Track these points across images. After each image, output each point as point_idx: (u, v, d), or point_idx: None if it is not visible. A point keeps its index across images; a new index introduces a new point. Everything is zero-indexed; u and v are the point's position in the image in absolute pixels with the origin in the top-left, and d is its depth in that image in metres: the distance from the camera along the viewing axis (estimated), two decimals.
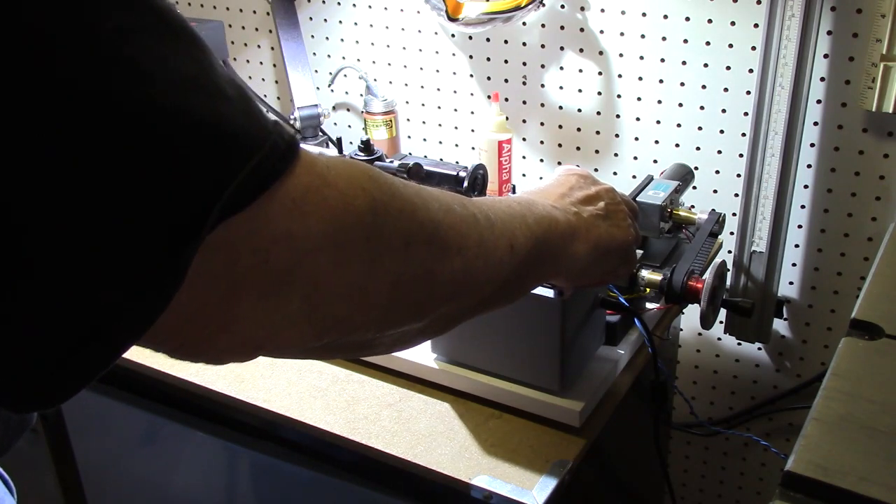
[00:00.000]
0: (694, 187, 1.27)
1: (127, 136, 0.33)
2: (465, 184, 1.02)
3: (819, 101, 1.18)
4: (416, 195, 0.48)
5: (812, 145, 1.21)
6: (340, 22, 1.53)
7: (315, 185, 0.41)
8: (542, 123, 1.42)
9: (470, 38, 1.41)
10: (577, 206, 0.69)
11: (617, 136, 1.36)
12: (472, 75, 1.45)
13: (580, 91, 1.36)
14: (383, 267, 0.45)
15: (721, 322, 1.35)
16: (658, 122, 1.31)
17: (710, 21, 1.21)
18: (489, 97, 1.39)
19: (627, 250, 0.74)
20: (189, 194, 0.34)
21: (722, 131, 1.27)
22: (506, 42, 1.39)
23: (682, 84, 1.27)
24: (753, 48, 1.19)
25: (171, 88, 0.34)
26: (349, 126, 1.62)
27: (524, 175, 1.46)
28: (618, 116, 1.34)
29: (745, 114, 1.23)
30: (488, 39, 1.40)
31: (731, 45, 1.21)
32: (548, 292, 0.82)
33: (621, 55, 1.30)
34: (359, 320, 0.45)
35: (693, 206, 1.27)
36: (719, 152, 1.28)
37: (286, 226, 0.39)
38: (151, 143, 0.33)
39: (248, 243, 0.38)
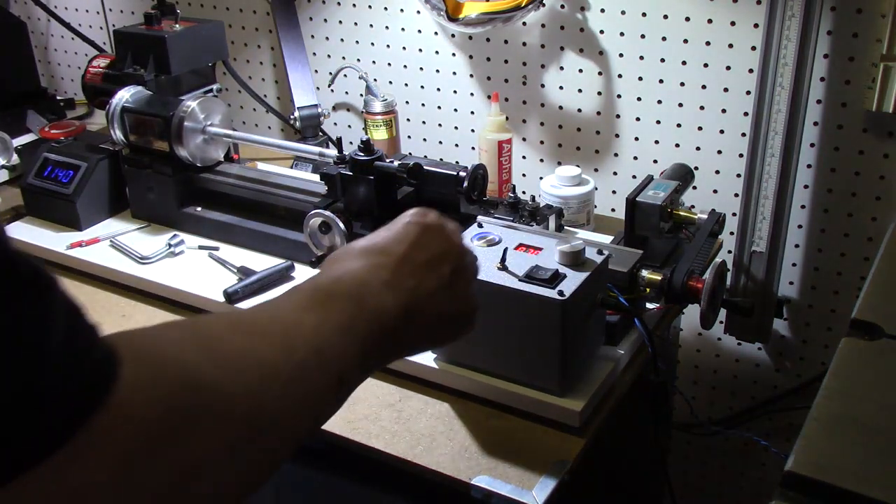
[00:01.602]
0: (694, 187, 1.27)
1: None
2: (465, 184, 1.02)
3: (819, 101, 1.18)
4: (234, 379, 0.44)
5: (812, 145, 1.21)
6: (340, 22, 1.53)
7: (112, 424, 0.36)
8: (542, 123, 1.42)
9: (470, 38, 1.41)
10: (415, 277, 0.61)
11: (617, 136, 1.36)
12: (472, 75, 1.45)
13: (580, 91, 1.36)
14: (196, 496, 0.40)
15: (721, 322, 1.35)
16: (658, 122, 1.31)
17: (710, 21, 1.21)
18: (489, 97, 1.39)
19: (464, 322, 0.66)
20: None
21: (722, 131, 1.27)
22: (506, 42, 1.39)
23: (682, 84, 1.27)
24: (753, 48, 1.19)
25: None
26: (349, 126, 1.62)
27: (524, 175, 1.46)
28: (618, 116, 1.34)
29: (745, 114, 1.23)
30: (488, 39, 1.40)
31: (731, 45, 1.21)
32: (549, 293, 0.82)
33: (621, 55, 1.30)
34: None
35: (693, 206, 1.27)
36: (719, 152, 1.28)
37: (69, 483, 0.35)
38: None
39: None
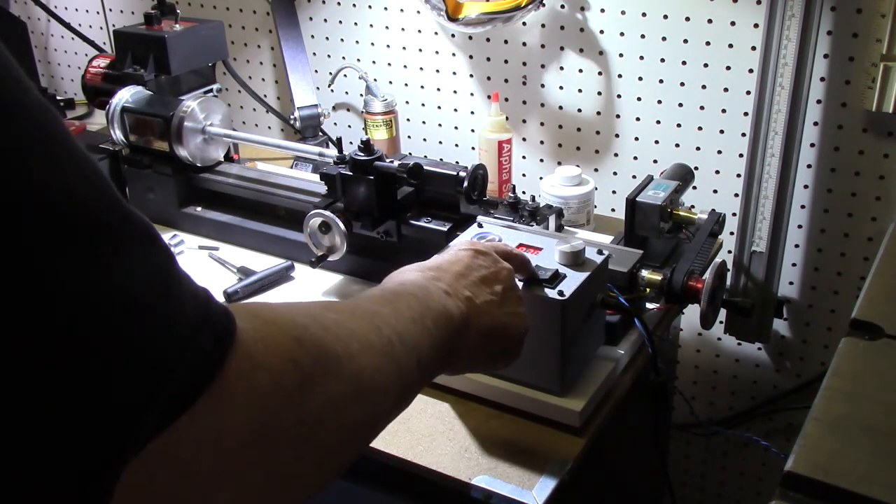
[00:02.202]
0: (694, 187, 1.27)
1: (31, 377, 0.30)
2: (465, 184, 1.02)
3: (819, 101, 1.18)
4: (338, 342, 0.47)
5: (812, 145, 1.21)
6: (340, 22, 1.53)
7: (244, 370, 0.39)
8: (542, 123, 1.42)
9: (470, 38, 1.41)
10: (471, 290, 0.66)
11: (617, 136, 1.36)
12: (472, 75, 1.45)
13: (580, 91, 1.36)
14: (313, 446, 0.44)
15: (721, 322, 1.35)
16: (658, 122, 1.31)
17: (710, 21, 1.21)
18: (489, 97, 1.39)
19: (516, 339, 0.71)
20: (98, 438, 0.32)
21: (722, 131, 1.27)
22: (506, 42, 1.39)
23: (682, 84, 1.27)
24: (753, 48, 1.19)
25: (67, 318, 0.31)
26: (349, 126, 1.62)
27: (524, 175, 1.46)
28: (618, 116, 1.34)
29: (745, 114, 1.23)
30: (488, 39, 1.40)
31: (731, 45, 1.21)
32: (549, 293, 0.82)
33: (621, 55, 1.30)
34: (288, 501, 0.44)
35: (693, 206, 1.27)
36: (719, 152, 1.28)
37: (215, 422, 0.37)
38: (53, 381, 0.31)
39: (173, 449, 0.36)
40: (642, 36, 1.27)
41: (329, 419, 0.45)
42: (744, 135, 1.23)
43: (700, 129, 1.28)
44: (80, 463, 0.32)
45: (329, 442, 0.45)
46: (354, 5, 1.50)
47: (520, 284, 0.79)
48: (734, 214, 1.25)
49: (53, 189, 0.32)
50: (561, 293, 0.82)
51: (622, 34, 1.28)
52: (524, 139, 1.44)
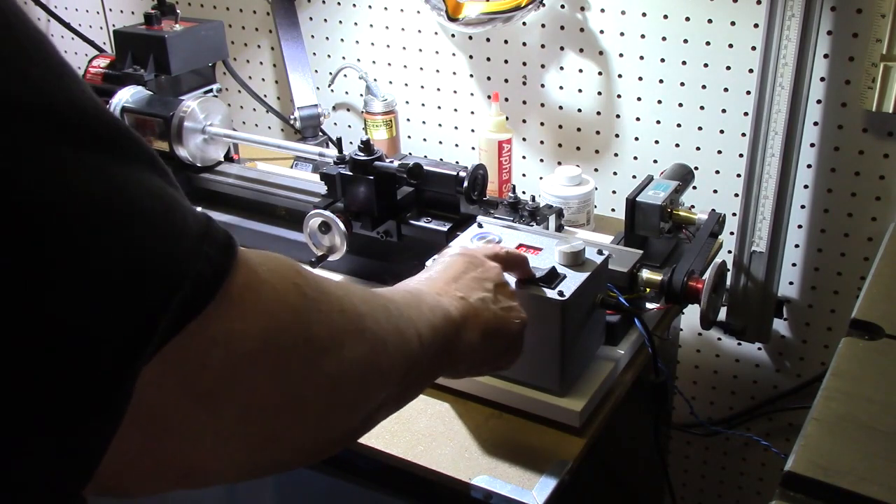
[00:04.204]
0: (694, 187, 1.27)
1: (37, 287, 0.30)
2: (465, 184, 1.02)
3: (819, 101, 1.18)
4: (338, 288, 0.48)
5: (812, 145, 1.21)
6: (340, 22, 1.53)
7: (251, 282, 0.39)
8: (542, 123, 1.42)
9: (470, 38, 1.41)
10: (463, 292, 0.68)
11: (617, 136, 1.36)
12: (472, 75, 1.45)
13: (580, 91, 1.36)
14: (321, 371, 0.44)
15: (721, 322, 1.35)
16: (658, 122, 1.31)
17: (710, 21, 1.21)
18: (489, 97, 1.39)
19: (515, 333, 0.72)
20: (117, 340, 0.33)
21: (722, 131, 1.27)
22: (506, 42, 1.39)
23: (682, 84, 1.27)
24: (753, 48, 1.19)
25: (77, 219, 0.31)
26: (349, 126, 1.62)
27: (524, 175, 1.46)
28: (618, 116, 1.34)
29: (745, 114, 1.23)
30: (488, 39, 1.40)
31: (731, 45, 1.21)
32: (548, 293, 0.82)
33: (621, 55, 1.30)
34: (294, 435, 0.43)
35: (693, 206, 1.27)
36: (719, 152, 1.28)
37: (224, 327, 0.38)
38: (61, 294, 0.31)
39: (183, 353, 0.36)
40: (642, 36, 1.27)
41: (334, 350, 0.45)
42: (744, 135, 1.23)
43: (700, 129, 1.28)
44: (100, 366, 0.32)
45: (335, 373, 0.45)
46: (354, 5, 1.50)
47: (512, 281, 0.79)
48: (734, 214, 1.25)
49: (57, 94, 0.32)
50: (561, 293, 0.82)
51: (622, 34, 1.28)
52: (524, 139, 1.44)
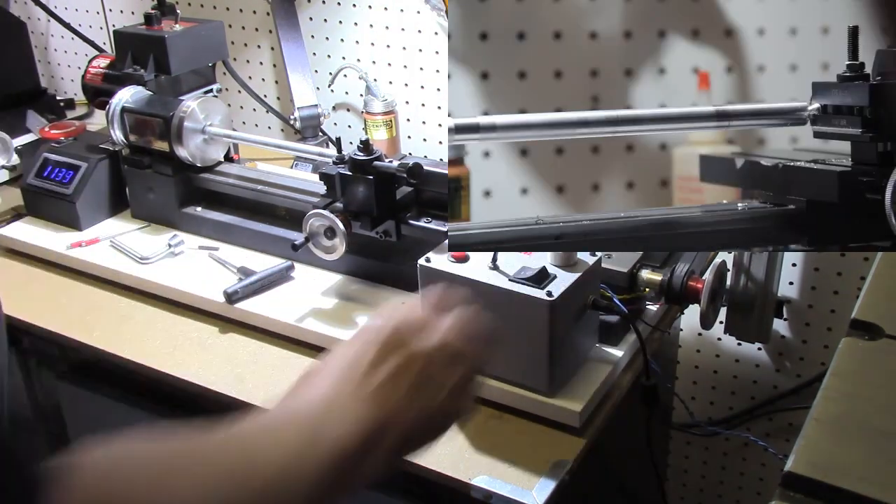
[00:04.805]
0: None
1: None
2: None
3: None
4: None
5: None
6: (340, 22, 1.53)
7: None
8: None
9: None
10: (381, 390, 0.57)
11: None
12: None
13: None
14: None
15: (721, 322, 1.35)
16: None
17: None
18: None
19: (449, 416, 0.61)
20: None
21: None
22: None
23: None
24: None
25: None
26: (349, 126, 1.62)
27: None
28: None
29: None
30: None
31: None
32: (537, 293, 0.82)
33: None
34: None
35: None
36: None
37: None
38: None
39: None
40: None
41: None
42: None
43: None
44: None
45: None
46: (354, 5, 1.50)
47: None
48: None
49: None
50: (549, 293, 0.81)
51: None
52: None
